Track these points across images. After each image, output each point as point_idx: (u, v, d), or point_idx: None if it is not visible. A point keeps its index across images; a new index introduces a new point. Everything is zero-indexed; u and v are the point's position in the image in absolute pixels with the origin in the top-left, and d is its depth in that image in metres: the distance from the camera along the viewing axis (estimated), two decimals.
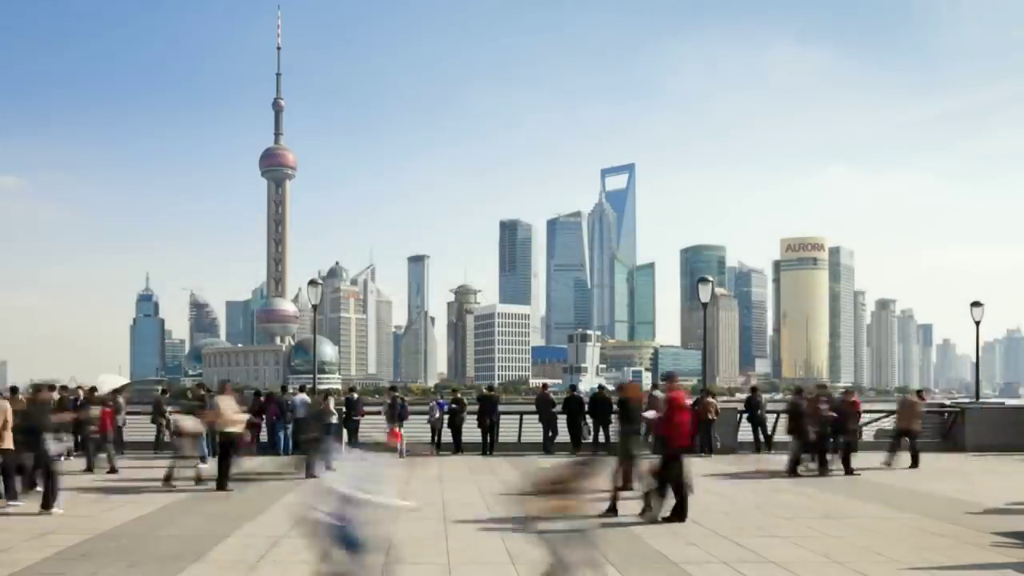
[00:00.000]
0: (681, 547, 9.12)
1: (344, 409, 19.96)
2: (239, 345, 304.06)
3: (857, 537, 9.72)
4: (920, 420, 18.20)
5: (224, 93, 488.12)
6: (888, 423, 21.29)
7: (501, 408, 21.32)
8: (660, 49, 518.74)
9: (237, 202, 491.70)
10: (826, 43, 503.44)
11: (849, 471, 16.03)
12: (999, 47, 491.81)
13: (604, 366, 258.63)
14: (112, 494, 13.30)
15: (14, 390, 15.66)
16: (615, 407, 14.00)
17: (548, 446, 20.39)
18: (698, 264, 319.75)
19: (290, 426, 20.01)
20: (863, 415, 20.57)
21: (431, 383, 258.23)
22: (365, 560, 5.78)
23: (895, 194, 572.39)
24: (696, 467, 17.49)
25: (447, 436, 20.78)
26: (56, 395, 16.88)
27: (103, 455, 16.50)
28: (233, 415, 13.95)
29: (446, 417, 20.78)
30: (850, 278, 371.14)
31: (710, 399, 20.47)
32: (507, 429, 21.58)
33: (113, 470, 16.16)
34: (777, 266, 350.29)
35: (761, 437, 20.68)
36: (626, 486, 11.74)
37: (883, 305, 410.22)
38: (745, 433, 21.07)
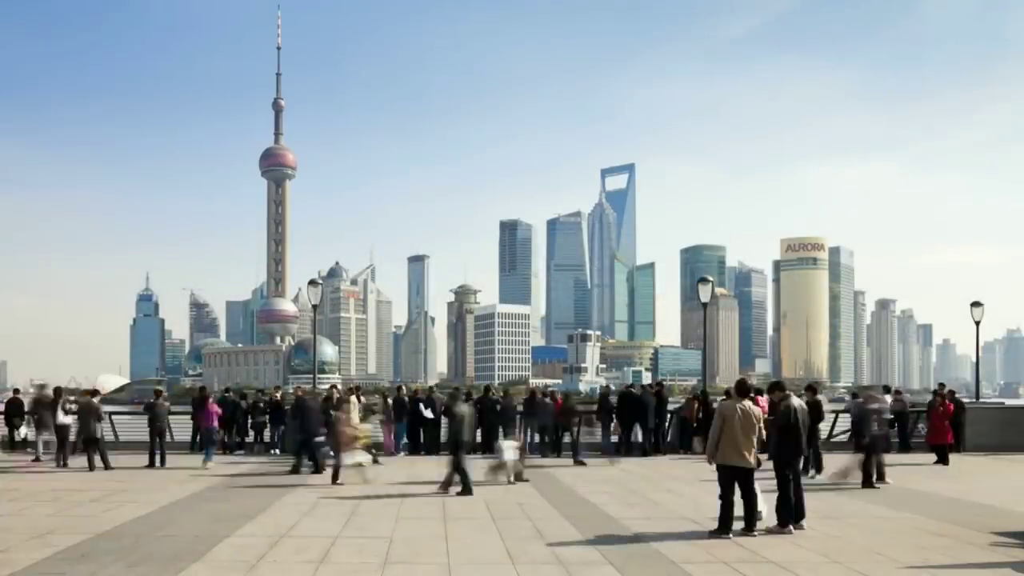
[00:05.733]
0: (681, 547, 9.12)
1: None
2: (239, 345, 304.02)
3: (857, 537, 9.72)
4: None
5: (224, 93, 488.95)
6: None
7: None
8: (660, 51, 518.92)
9: (237, 202, 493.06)
10: (824, 46, 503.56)
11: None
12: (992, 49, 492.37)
13: (604, 366, 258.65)
14: (112, 494, 13.30)
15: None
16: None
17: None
18: (698, 264, 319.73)
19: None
20: None
21: (431, 383, 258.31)
22: None
23: (895, 194, 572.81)
24: (691, 468, 17.52)
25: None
26: None
27: None
28: None
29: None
30: (850, 278, 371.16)
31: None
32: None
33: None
34: (777, 266, 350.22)
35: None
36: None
37: (883, 305, 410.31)
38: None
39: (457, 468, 13.31)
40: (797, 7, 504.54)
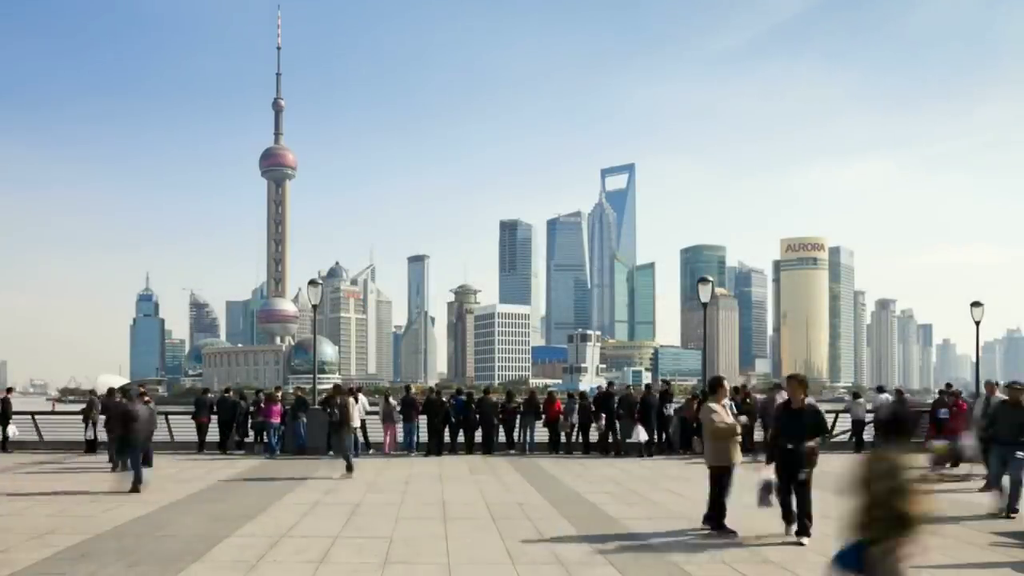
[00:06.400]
0: (681, 547, 9.12)
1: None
2: (239, 345, 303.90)
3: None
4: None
5: (224, 93, 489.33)
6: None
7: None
8: (660, 52, 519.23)
9: (237, 202, 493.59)
10: (824, 48, 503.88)
11: None
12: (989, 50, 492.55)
13: (604, 366, 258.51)
14: (112, 494, 13.30)
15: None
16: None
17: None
18: (698, 264, 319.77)
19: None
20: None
21: (431, 383, 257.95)
22: None
23: (895, 194, 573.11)
24: (691, 468, 17.52)
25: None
26: None
27: None
28: None
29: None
30: (850, 278, 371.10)
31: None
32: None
33: None
34: (777, 266, 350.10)
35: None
36: None
37: (883, 305, 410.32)
38: None
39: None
40: (798, 12, 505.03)
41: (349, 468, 15.83)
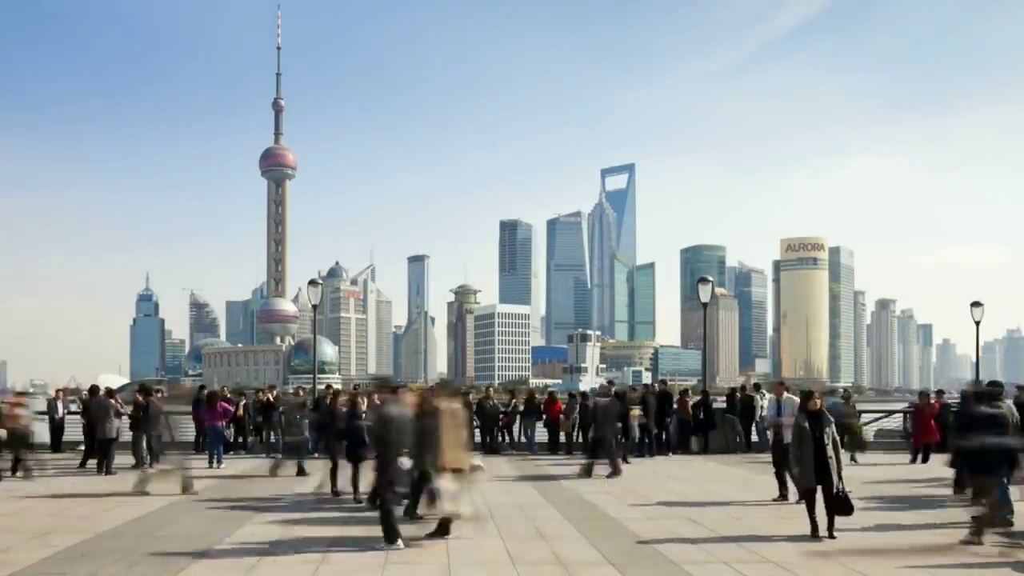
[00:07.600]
0: (681, 547, 9.12)
1: None
2: (239, 345, 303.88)
3: (857, 537, 9.70)
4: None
5: (224, 93, 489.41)
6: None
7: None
8: (660, 51, 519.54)
9: (237, 202, 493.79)
10: (825, 47, 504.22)
11: None
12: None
13: (604, 366, 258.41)
14: (112, 494, 13.30)
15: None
16: None
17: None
18: (698, 264, 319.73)
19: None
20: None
21: (432, 384, 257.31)
22: None
23: (895, 194, 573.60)
24: (691, 468, 17.53)
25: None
26: None
27: None
28: None
29: None
30: (850, 278, 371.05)
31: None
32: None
33: None
34: (777, 266, 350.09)
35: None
36: None
37: (883, 305, 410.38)
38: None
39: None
40: (800, 15, 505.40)
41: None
